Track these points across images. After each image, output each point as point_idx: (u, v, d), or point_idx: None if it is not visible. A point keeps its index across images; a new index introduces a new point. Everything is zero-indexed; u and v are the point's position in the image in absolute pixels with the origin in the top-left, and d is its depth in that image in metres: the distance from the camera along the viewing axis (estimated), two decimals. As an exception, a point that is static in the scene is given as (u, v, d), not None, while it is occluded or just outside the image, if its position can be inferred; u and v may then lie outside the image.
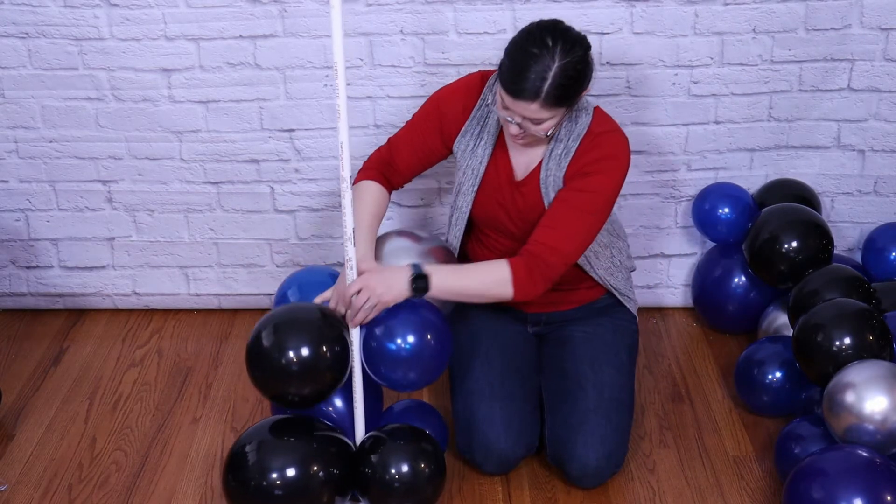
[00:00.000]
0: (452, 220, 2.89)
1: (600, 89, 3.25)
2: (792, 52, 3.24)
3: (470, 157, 2.81)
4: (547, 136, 2.66)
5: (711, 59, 3.24)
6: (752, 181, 3.42)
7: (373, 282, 2.56)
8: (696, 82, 3.27)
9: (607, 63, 3.23)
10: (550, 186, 2.73)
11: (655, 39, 3.21)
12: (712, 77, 3.26)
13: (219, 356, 3.38)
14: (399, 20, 3.18)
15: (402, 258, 2.71)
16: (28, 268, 3.52)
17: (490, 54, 3.20)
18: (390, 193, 2.91)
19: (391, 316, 2.59)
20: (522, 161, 2.79)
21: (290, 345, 2.51)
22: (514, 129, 2.65)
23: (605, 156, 2.69)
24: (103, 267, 3.52)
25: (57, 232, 3.47)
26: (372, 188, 2.85)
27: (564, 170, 2.71)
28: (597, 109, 2.76)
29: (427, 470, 2.60)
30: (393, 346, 2.57)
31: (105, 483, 2.86)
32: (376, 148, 3.34)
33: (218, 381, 3.26)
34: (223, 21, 3.18)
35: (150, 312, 3.59)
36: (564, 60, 2.53)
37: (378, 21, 3.17)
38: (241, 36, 3.20)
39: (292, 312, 2.60)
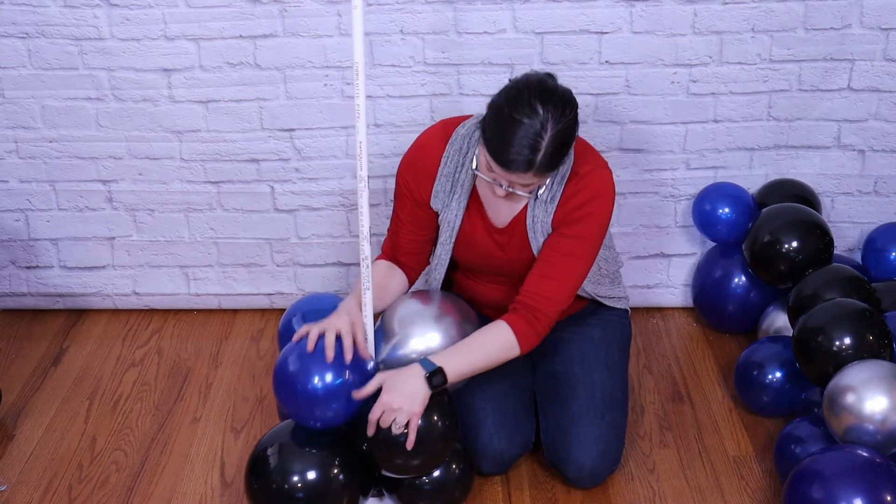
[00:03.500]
0: (433, 265, 2.84)
1: (600, 88, 3.25)
2: (791, 51, 3.24)
3: (445, 211, 2.73)
4: (537, 194, 2.58)
5: (710, 58, 3.24)
6: (752, 181, 3.42)
7: (394, 401, 2.49)
8: (694, 81, 3.27)
9: (606, 62, 3.23)
10: (539, 231, 2.67)
11: (654, 38, 3.21)
12: (711, 76, 3.26)
13: (219, 356, 3.38)
14: (399, 20, 3.18)
15: (417, 323, 2.66)
16: (28, 268, 3.53)
17: (490, 54, 3.20)
18: (409, 273, 2.82)
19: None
20: (503, 210, 2.70)
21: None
22: (500, 192, 2.55)
23: (592, 198, 2.63)
24: (103, 267, 3.52)
25: (57, 232, 3.47)
26: (378, 265, 2.79)
27: (552, 215, 2.65)
28: (577, 142, 2.64)
29: (457, 470, 2.65)
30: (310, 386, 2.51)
31: (105, 483, 2.86)
32: (376, 147, 3.35)
33: (218, 381, 3.26)
34: (223, 21, 3.18)
35: (150, 312, 3.59)
36: (556, 129, 2.41)
37: (378, 21, 3.17)
38: (241, 36, 3.20)
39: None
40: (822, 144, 3.39)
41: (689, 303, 3.57)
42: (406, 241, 2.79)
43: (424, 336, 2.65)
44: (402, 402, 2.49)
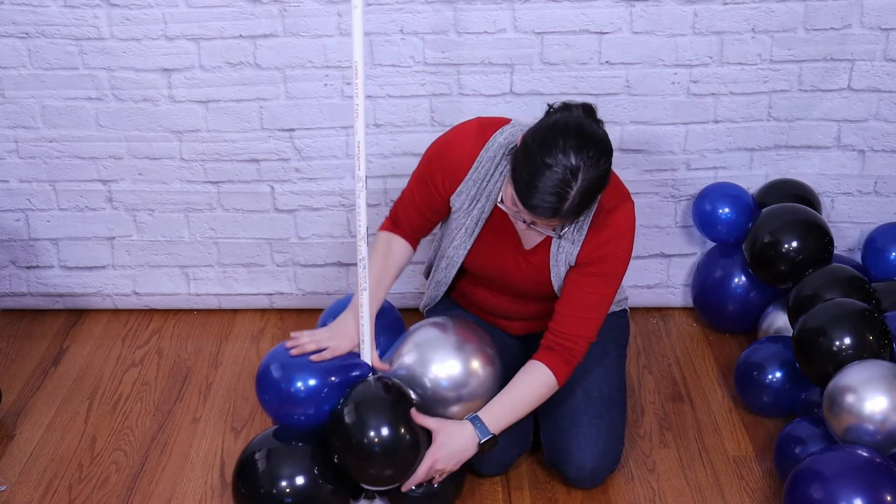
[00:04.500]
0: (441, 265, 2.82)
1: (600, 88, 3.25)
2: (791, 51, 3.24)
3: (465, 216, 2.70)
4: (559, 232, 2.53)
5: (710, 58, 3.24)
6: (752, 181, 3.42)
7: (443, 463, 2.57)
8: (695, 81, 3.27)
9: (606, 62, 3.23)
10: (562, 261, 2.66)
11: (655, 39, 3.21)
12: (711, 76, 3.26)
13: (219, 356, 3.38)
14: (399, 20, 3.18)
15: (432, 350, 2.64)
16: (28, 268, 3.53)
17: (490, 54, 3.20)
18: (411, 242, 2.80)
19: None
20: (527, 232, 2.66)
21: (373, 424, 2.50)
22: (522, 226, 2.53)
23: (616, 236, 2.62)
24: (103, 267, 3.52)
25: (57, 232, 3.47)
26: (384, 240, 2.78)
27: (578, 248, 2.63)
28: None
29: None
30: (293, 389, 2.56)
31: (105, 483, 2.86)
32: (376, 147, 3.35)
33: (218, 381, 3.26)
34: (223, 21, 3.18)
35: (150, 312, 3.59)
36: (588, 180, 2.34)
37: (378, 21, 3.17)
38: (241, 36, 3.20)
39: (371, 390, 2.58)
40: (822, 144, 3.39)
41: (689, 303, 3.57)
42: (413, 217, 2.77)
43: (444, 363, 2.63)
44: (447, 464, 2.58)
